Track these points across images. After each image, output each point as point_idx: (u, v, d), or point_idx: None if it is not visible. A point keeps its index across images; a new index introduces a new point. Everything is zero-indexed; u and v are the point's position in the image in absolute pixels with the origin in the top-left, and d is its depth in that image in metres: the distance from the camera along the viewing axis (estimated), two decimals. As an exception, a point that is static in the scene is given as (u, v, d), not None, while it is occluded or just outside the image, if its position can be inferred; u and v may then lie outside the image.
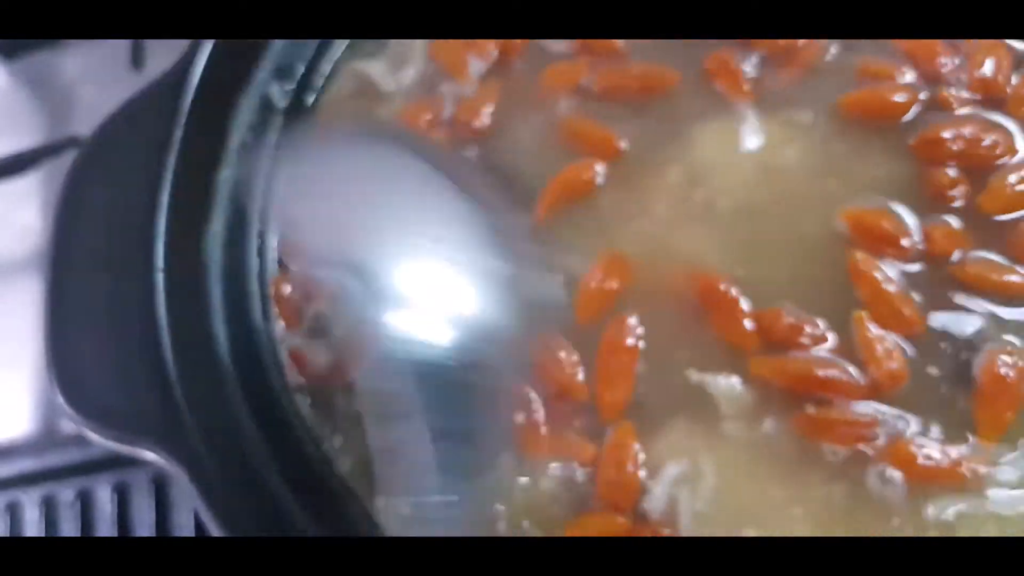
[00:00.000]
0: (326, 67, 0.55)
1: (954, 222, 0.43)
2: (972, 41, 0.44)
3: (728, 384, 0.42)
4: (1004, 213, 0.42)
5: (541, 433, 0.43)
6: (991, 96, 0.43)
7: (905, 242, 0.42)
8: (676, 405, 0.42)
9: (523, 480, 0.42)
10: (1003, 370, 0.39)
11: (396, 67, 0.54)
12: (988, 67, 0.43)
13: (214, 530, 0.42)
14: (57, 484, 0.70)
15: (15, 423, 0.73)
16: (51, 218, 0.50)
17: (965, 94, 0.44)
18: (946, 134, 0.43)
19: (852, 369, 0.41)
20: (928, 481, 0.39)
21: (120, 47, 0.85)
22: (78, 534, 0.68)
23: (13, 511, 0.70)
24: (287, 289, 0.50)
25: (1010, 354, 0.40)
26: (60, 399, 0.45)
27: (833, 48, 0.46)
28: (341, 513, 0.45)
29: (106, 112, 0.52)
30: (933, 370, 0.41)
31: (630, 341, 0.43)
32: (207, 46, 0.51)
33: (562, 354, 0.44)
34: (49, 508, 0.70)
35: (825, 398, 0.40)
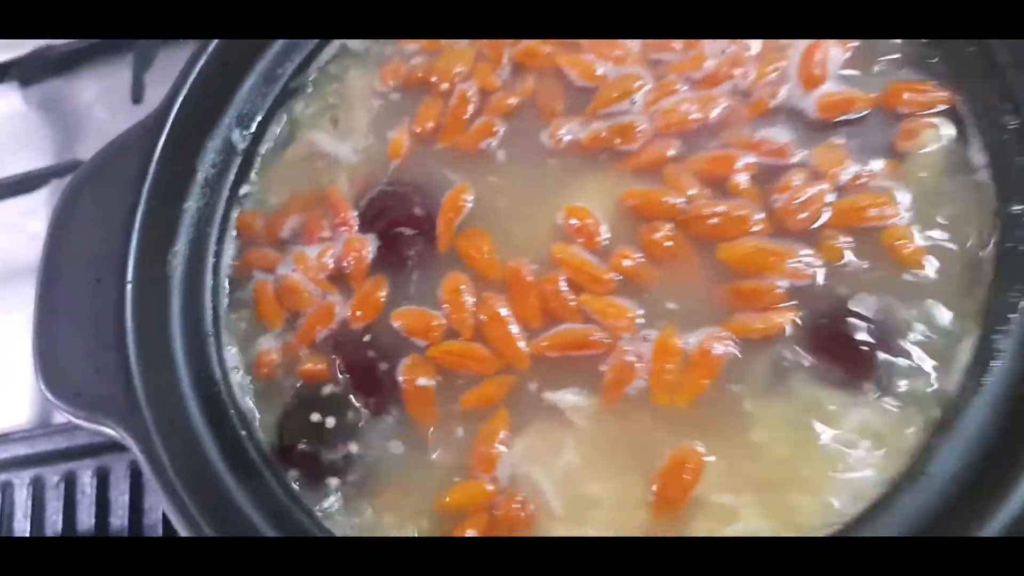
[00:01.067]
0: (282, 116, 0.66)
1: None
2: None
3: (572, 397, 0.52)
4: (736, 265, 0.53)
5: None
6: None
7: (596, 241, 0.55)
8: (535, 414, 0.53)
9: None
10: (715, 349, 0.50)
11: (342, 138, 0.64)
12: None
13: (159, 493, 0.51)
14: (45, 468, 0.78)
15: (12, 414, 0.82)
16: (46, 234, 0.60)
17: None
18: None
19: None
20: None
21: (124, 81, 0.95)
22: (61, 513, 0.76)
23: (5, 491, 0.78)
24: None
25: (719, 339, 0.50)
26: (41, 384, 0.55)
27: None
28: (262, 480, 0.55)
29: (107, 140, 0.62)
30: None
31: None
32: (183, 94, 0.61)
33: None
34: (37, 489, 0.78)
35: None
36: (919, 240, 0.51)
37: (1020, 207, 0.49)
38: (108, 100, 0.99)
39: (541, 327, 0.54)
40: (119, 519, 0.76)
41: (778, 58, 0.57)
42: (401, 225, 0.59)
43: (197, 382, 0.57)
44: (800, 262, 0.51)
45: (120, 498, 0.76)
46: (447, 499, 0.52)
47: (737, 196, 0.53)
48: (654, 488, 0.49)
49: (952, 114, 0.54)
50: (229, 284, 0.62)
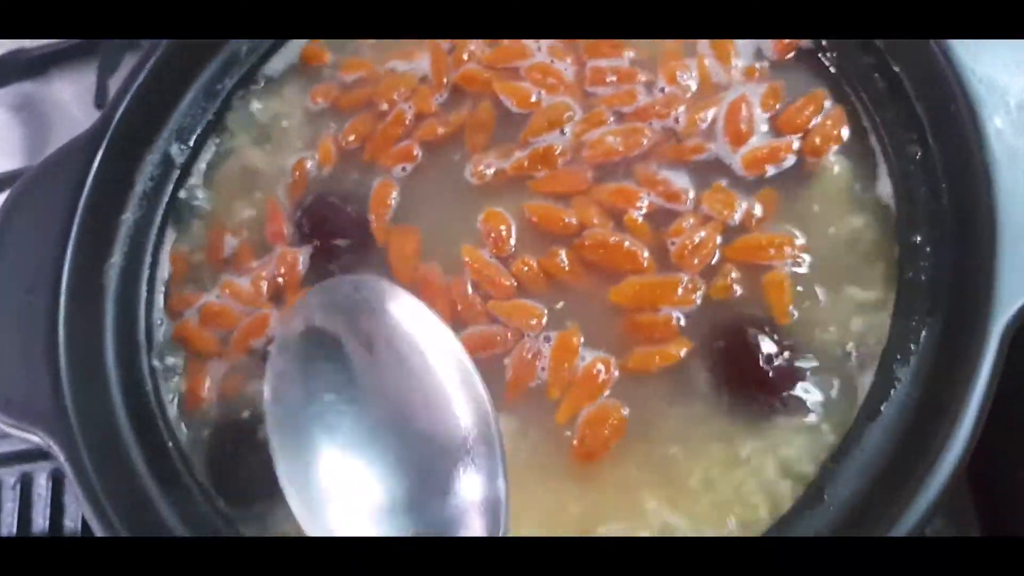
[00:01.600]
0: (220, 131, 0.67)
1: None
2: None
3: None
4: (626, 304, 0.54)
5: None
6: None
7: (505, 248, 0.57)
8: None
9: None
10: (601, 375, 0.52)
11: (276, 153, 0.66)
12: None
13: (82, 504, 0.52)
14: (2, 469, 0.79)
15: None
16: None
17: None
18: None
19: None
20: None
21: (89, 87, 0.96)
22: (16, 515, 0.78)
23: (-37, 489, 0.78)
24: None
25: (604, 363, 0.52)
26: (-29, 389, 0.56)
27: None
28: (184, 490, 0.56)
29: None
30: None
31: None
32: (122, 107, 0.62)
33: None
34: (-6, 489, 0.78)
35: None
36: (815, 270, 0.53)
37: (921, 237, 0.50)
38: (79, 104, 1.00)
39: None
40: (72, 521, 0.77)
41: (710, 104, 0.58)
42: (335, 235, 0.61)
43: (127, 392, 0.58)
44: (685, 288, 0.53)
45: (73, 500, 0.77)
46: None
47: (631, 232, 0.55)
48: (575, 439, 0.51)
49: (859, 141, 0.55)
50: (164, 308, 0.63)
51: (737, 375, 0.51)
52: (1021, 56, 0.48)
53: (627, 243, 0.54)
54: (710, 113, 0.57)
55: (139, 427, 0.57)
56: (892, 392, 0.48)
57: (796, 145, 0.55)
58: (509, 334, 0.55)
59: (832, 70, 0.57)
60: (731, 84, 0.58)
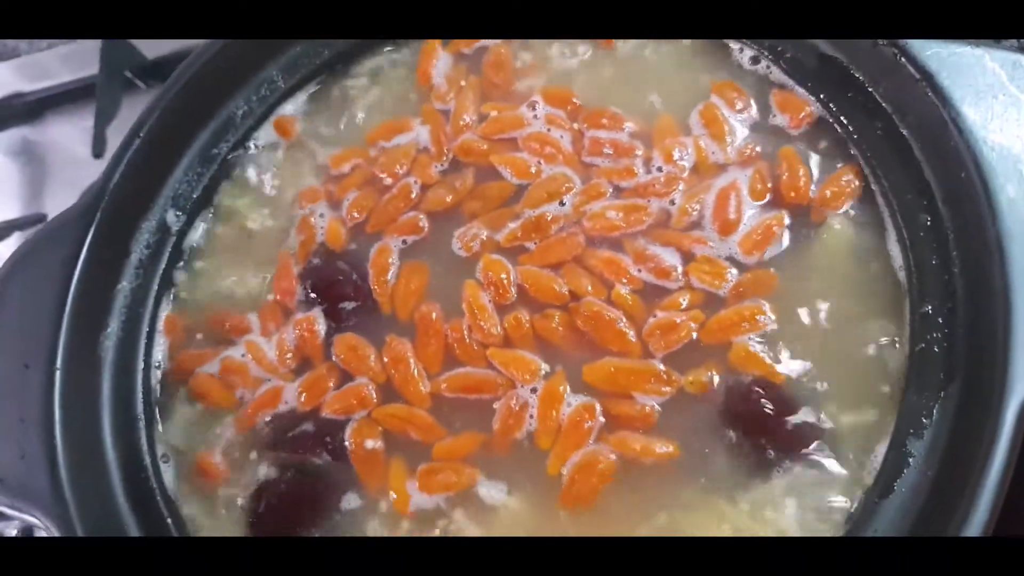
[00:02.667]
0: (216, 197, 0.66)
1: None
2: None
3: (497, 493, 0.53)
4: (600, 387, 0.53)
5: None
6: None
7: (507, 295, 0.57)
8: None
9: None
10: (587, 423, 0.52)
11: (274, 219, 0.65)
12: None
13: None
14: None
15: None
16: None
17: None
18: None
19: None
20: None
21: (87, 130, 0.95)
22: None
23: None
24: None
25: (588, 409, 0.52)
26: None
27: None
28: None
29: (73, 190, 0.62)
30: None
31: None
32: (118, 174, 0.61)
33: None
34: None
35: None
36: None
37: (932, 308, 0.49)
38: (77, 149, 1.00)
39: (441, 371, 0.56)
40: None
41: (702, 190, 0.57)
42: (342, 298, 0.60)
43: (125, 467, 0.57)
44: (658, 378, 0.52)
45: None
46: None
47: (621, 309, 0.54)
48: (566, 479, 0.51)
49: (867, 204, 0.54)
50: (162, 375, 0.62)
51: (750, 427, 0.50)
52: (1035, 122, 0.47)
53: (620, 323, 0.53)
54: (700, 202, 0.56)
55: (136, 502, 0.56)
56: (906, 470, 0.47)
57: (787, 220, 0.55)
58: (500, 381, 0.54)
59: (840, 133, 0.56)
60: (727, 165, 0.57)
